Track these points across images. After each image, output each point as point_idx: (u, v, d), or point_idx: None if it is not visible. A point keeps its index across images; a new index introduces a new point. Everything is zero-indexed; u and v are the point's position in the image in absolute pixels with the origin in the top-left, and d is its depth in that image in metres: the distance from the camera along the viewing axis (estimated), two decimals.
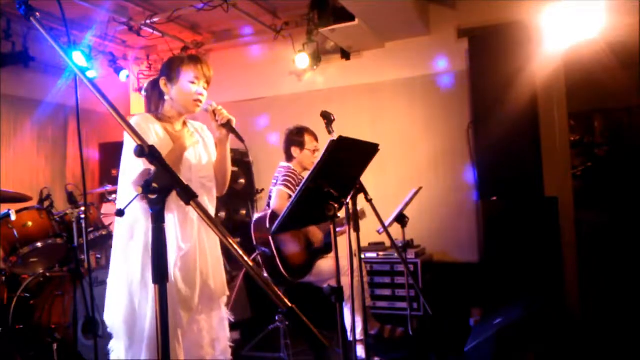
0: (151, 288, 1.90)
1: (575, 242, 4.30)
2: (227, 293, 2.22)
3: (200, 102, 2.09)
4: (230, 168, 2.22)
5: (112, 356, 2.01)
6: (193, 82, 2.09)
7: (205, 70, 2.13)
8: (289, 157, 3.68)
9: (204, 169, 2.14)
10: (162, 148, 1.92)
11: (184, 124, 2.21)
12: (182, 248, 1.98)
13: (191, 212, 2.02)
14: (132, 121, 2.02)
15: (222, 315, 2.19)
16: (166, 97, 2.12)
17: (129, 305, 1.94)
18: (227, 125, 2.06)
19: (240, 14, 4.73)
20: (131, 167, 1.93)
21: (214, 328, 2.14)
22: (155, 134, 2.02)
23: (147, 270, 1.91)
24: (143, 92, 2.25)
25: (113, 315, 1.97)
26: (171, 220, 1.97)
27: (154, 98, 2.18)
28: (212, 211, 2.16)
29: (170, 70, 2.12)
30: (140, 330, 1.91)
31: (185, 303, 1.98)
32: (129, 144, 1.97)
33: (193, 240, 2.02)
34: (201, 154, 2.17)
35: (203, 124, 2.32)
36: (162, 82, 2.12)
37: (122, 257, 1.99)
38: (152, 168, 1.85)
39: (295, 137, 3.66)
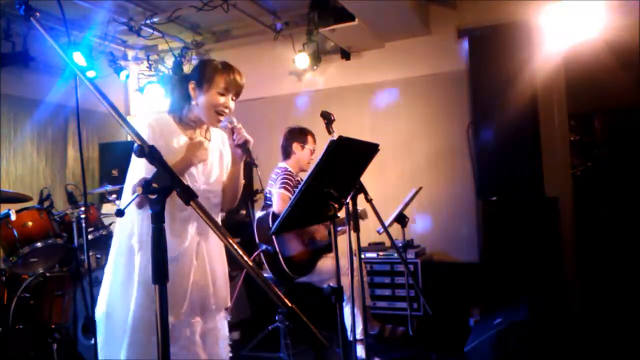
0: (132, 288, 1.91)
1: (575, 242, 4.30)
2: (229, 305, 2.19)
3: (224, 115, 2.02)
4: (240, 188, 2.15)
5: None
6: (222, 94, 2.02)
7: (238, 80, 2.06)
8: (288, 155, 3.69)
9: (211, 183, 2.08)
10: (171, 155, 1.90)
11: (207, 131, 2.15)
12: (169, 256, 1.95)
13: (190, 224, 1.99)
14: (145, 124, 1.95)
15: (223, 323, 2.18)
16: (193, 102, 2.04)
17: (111, 302, 1.95)
18: (243, 146, 1.99)
19: (240, 14, 4.73)
20: (134, 171, 1.93)
21: (219, 329, 2.13)
22: (165, 139, 1.96)
23: (130, 274, 1.93)
24: (168, 89, 2.16)
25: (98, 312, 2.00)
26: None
27: (179, 98, 2.09)
28: (218, 218, 2.14)
29: (202, 75, 2.03)
30: (119, 327, 1.91)
31: (172, 308, 1.90)
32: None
33: (185, 249, 1.97)
34: (213, 166, 2.10)
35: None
36: (190, 86, 2.03)
37: (113, 256, 2.01)
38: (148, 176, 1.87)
39: (298, 135, 3.70)
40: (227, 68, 2.05)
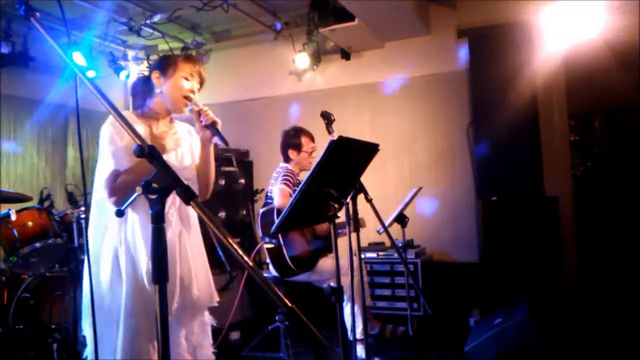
0: (118, 292, 1.88)
1: (575, 242, 4.30)
2: (217, 299, 2.13)
3: (190, 100, 2.03)
4: (213, 172, 2.13)
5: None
6: (187, 79, 2.04)
7: (201, 71, 2.08)
8: (287, 159, 3.69)
9: (185, 171, 2.05)
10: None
11: (171, 122, 2.14)
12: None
13: (170, 214, 1.95)
14: (108, 121, 1.92)
15: (205, 321, 2.12)
16: (157, 91, 2.05)
17: (100, 308, 1.88)
18: (212, 127, 1.97)
19: (240, 14, 4.73)
20: (103, 168, 1.89)
21: (195, 334, 2.07)
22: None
23: (116, 275, 1.89)
24: (131, 89, 2.16)
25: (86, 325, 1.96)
26: (139, 225, 1.90)
27: (142, 93, 2.10)
28: (192, 215, 2.09)
29: (166, 64, 2.05)
30: (110, 338, 1.87)
31: None
32: (104, 143, 1.90)
33: (167, 241, 1.93)
34: (184, 156, 2.09)
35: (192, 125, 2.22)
36: (154, 75, 2.04)
37: (93, 261, 1.93)
38: (120, 169, 1.85)
39: (292, 139, 3.66)
40: (192, 58, 2.10)
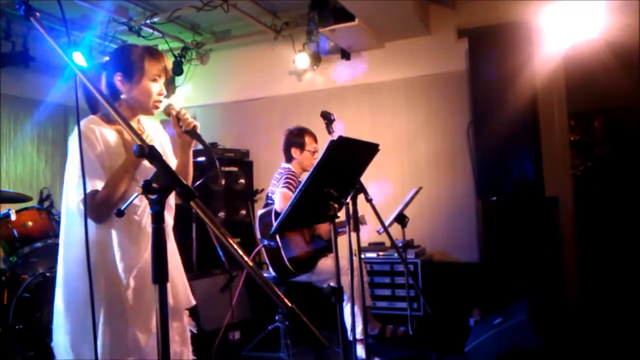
0: (97, 305, 1.75)
1: (576, 242, 4.30)
2: (193, 303, 2.01)
3: (161, 102, 1.89)
4: (191, 174, 2.03)
5: None
6: (155, 81, 1.88)
7: (167, 66, 1.93)
8: (289, 158, 3.68)
9: None
10: (113, 157, 1.78)
11: (138, 122, 1.99)
12: (132, 268, 1.79)
13: (147, 225, 1.80)
14: (75, 133, 1.71)
15: (184, 327, 2.01)
16: (122, 96, 1.87)
17: (76, 327, 1.77)
18: (192, 132, 1.85)
19: (240, 14, 4.73)
20: (74, 180, 1.75)
21: (175, 341, 1.94)
22: (103, 142, 1.79)
23: (92, 288, 1.70)
24: (83, 91, 1.88)
25: (59, 340, 1.81)
26: (116, 239, 1.79)
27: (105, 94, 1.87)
28: (170, 220, 1.96)
29: (129, 65, 1.85)
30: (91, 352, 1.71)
31: (144, 325, 1.80)
32: (74, 157, 1.78)
33: (146, 260, 1.80)
34: None
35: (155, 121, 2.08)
36: (117, 79, 1.86)
37: (64, 274, 1.83)
38: (95, 184, 1.72)
39: (296, 138, 3.67)
40: (155, 53, 1.92)
